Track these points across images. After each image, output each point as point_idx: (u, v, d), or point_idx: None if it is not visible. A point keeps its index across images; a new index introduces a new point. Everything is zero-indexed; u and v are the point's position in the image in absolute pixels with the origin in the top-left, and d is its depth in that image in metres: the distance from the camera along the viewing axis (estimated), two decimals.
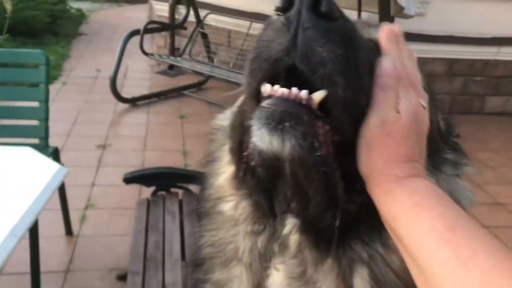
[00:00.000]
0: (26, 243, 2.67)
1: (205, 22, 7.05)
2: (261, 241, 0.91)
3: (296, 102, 0.73)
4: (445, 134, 1.00)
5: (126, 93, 6.50)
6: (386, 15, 5.28)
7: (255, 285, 0.93)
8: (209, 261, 1.01)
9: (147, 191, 3.19)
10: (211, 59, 6.97)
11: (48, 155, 3.07)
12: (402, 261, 0.79)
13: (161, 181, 2.96)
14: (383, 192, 0.76)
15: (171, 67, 7.72)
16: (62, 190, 3.37)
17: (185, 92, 6.92)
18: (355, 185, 0.80)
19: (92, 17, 11.93)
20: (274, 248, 0.90)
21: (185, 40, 7.22)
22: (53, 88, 6.68)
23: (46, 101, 3.19)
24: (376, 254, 0.86)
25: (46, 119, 3.19)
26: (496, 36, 6.69)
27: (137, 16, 11.28)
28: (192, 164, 4.72)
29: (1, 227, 1.99)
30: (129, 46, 6.48)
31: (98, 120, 5.85)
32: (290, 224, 0.87)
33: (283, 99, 0.73)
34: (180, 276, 2.33)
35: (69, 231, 3.59)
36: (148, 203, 2.90)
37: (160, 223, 2.73)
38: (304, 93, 0.73)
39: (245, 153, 0.83)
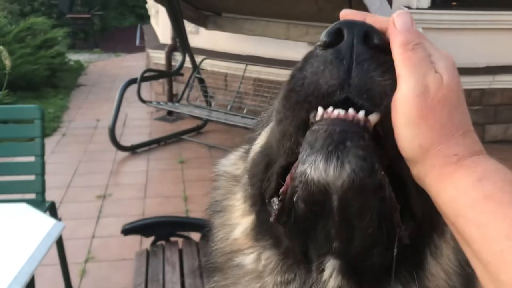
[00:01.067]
0: None
1: (201, 67, 7.14)
2: (297, 281, 0.83)
3: (353, 123, 0.69)
4: None
5: (126, 141, 6.51)
6: None
7: None
8: None
9: (148, 240, 3.13)
10: (208, 103, 7.01)
11: (45, 210, 3.03)
12: None
13: (160, 230, 2.90)
14: (441, 177, 0.63)
15: (170, 113, 7.77)
16: (60, 245, 3.30)
17: (184, 137, 6.94)
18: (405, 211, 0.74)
19: (90, 68, 12.11)
20: None
21: (182, 86, 7.29)
22: (52, 140, 6.71)
23: (42, 155, 3.17)
24: None
25: (42, 173, 3.17)
26: (489, 65, 6.74)
27: (136, 65, 11.45)
28: (193, 210, 4.66)
29: None
30: (128, 94, 6.54)
31: (98, 170, 5.83)
32: (330, 268, 0.79)
33: (339, 120, 0.69)
34: None
35: (68, 286, 3.50)
36: (148, 254, 2.83)
37: (160, 275, 2.66)
38: (361, 114, 0.69)
39: (280, 192, 0.75)
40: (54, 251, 3.30)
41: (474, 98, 6.78)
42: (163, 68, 7.93)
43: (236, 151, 1.06)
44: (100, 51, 14.73)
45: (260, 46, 6.99)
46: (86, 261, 3.91)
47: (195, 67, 7.06)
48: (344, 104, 0.70)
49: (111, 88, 9.56)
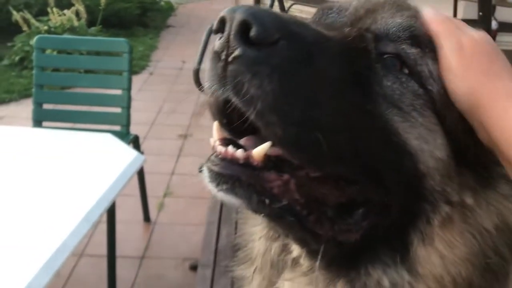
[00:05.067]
0: (105, 226, 2.74)
1: (289, 12, 6.92)
2: (275, 248, 0.86)
3: (232, 163, 0.67)
4: None
5: None
6: (486, 4, 4.85)
7: None
8: (240, 252, 0.98)
9: None
10: None
11: (128, 142, 3.12)
12: None
13: None
14: (496, 109, 0.65)
15: None
16: (141, 177, 3.43)
17: None
18: (354, 211, 0.73)
19: (180, 9, 12.23)
20: (287, 260, 0.84)
21: None
22: (140, 78, 6.91)
23: (128, 89, 3.24)
24: (401, 281, 0.74)
25: (128, 107, 3.25)
26: None
27: (224, 8, 11.37)
28: None
29: (76, 212, 2.01)
30: (214, 38, 6.52)
31: (181, 110, 5.94)
32: (296, 250, 0.81)
33: (220, 159, 0.68)
34: None
35: (147, 217, 3.65)
36: None
37: (233, 215, 2.66)
38: (239, 152, 0.67)
39: None
40: (136, 183, 3.43)
41: None
42: None
43: None
44: None
45: None
46: (165, 195, 4.05)
47: (284, 11, 6.86)
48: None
49: (198, 30, 9.59)
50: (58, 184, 2.30)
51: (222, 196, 0.68)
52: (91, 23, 7.72)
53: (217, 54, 0.65)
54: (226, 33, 0.64)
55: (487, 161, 0.74)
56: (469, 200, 0.74)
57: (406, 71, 0.74)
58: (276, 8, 6.87)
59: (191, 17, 11.35)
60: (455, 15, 5.27)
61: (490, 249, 0.74)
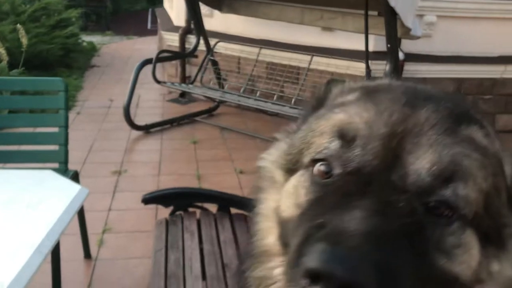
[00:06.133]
0: (46, 267, 2.71)
1: (215, 50, 7.19)
2: None
3: None
4: None
5: (139, 121, 6.60)
6: (393, 37, 5.38)
7: None
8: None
9: (162, 214, 3.23)
10: (221, 86, 7.08)
11: (68, 179, 3.13)
12: None
13: (179, 201, 2.99)
14: None
15: (183, 95, 7.85)
16: (81, 213, 3.42)
17: (197, 118, 7.02)
18: None
19: (103, 49, 12.18)
20: None
21: (195, 69, 7.36)
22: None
23: (65, 126, 3.27)
24: None
25: (65, 143, 3.27)
26: (502, 55, 6.76)
27: (147, 48, 11.51)
28: (206, 188, 4.76)
29: (26, 246, 2.03)
30: (140, 76, 6.61)
31: (113, 147, 5.93)
32: None
33: None
34: None
35: (87, 254, 3.62)
36: (167, 222, 2.93)
37: (179, 242, 2.76)
38: None
39: None
40: (73, 221, 3.41)
41: (486, 88, 6.82)
42: (176, 50, 7.99)
43: (276, 144, 1.04)
44: (112, 33, 14.79)
45: (273, 30, 7.03)
46: (104, 232, 4.03)
47: (209, 49, 7.12)
48: None
49: (123, 69, 9.65)
50: (5, 221, 2.30)
51: None
52: (12, 65, 7.53)
53: None
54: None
55: (499, 226, 0.84)
56: (496, 268, 0.83)
57: (448, 212, 0.79)
58: (202, 46, 7.12)
59: (114, 56, 11.34)
60: (367, 47, 5.77)
61: None
